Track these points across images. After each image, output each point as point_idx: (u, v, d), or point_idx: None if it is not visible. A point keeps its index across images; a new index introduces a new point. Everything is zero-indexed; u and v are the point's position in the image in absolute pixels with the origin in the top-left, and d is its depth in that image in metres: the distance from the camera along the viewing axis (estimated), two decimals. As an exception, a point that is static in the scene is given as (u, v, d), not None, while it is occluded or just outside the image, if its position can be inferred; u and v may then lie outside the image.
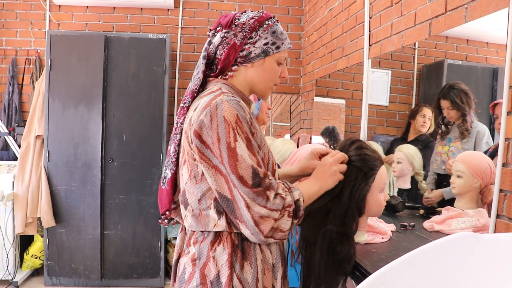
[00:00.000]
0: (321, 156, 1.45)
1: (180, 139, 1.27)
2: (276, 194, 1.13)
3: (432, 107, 2.48)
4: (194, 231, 1.23)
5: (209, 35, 1.35)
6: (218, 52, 1.31)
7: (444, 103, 2.22)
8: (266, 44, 1.30)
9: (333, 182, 1.33)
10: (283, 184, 1.19)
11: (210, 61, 1.34)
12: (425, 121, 2.54)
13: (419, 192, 2.40)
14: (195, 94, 1.30)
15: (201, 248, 1.19)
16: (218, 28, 1.32)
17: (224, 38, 1.30)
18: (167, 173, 1.31)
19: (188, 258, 1.21)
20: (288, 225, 1.15)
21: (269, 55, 1.31)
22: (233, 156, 1.11)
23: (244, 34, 1.28)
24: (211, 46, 1.32)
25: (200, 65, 1.31)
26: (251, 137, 1.15)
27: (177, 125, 1.29)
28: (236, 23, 1.30)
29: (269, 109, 3.14)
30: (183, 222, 1.30)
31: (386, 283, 0.81)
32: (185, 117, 1.27)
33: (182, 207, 1.27)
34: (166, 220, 1.36)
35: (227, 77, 1.33)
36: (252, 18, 1.30)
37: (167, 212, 1.33)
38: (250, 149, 1.13)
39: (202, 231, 1.21)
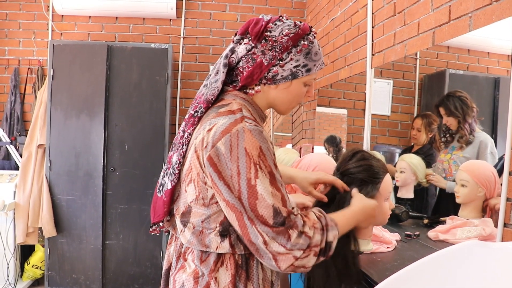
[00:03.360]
0: (321, 183, 1.45)
1: (185, 151, 1.16)
2: (301, 233, 1.02)
3: (428, 115, 2.49)
4: (190, 247, 1.18)
5: (233, 41, 1.21)
6: (240, 64, 1.17)
7: (441, 110, 2.24)
8: (296, 66, 1.16)
9: (365, 224, 1.38)
10: (319, 219, 1.09)
11: (230, 68, 1.20)
12: (415, 133, 2.55)
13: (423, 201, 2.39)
14: (210, 105, 1.18)
15: (202, 267, 1.13)
16: (246, 38, 1.18)
17: (250, 52, 1.16)
18: (166, 182, 1.20)
19: (187, 275, 1.15)
20: (313, 262, 1.06)
21: (297, 78, 1.18)
22: (253, 194, 1.02)
23: (274, 54, 1.14)
24: (233, 55, 1.18)
25: (221, 73, 1.17)
26: (274, 170, 1.06)
27: (183, 133, 1.18)
28: (267, 37, 1.15)
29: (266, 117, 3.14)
30: (176, 233, 1.24)
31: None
32: (194, 127, 1.17)
33: (179, 220, 1.19)
34: (157, 229, 1.28)
35: (247, 92, 1.21)
36: (287, 35, 1.14)
37: (161, 223, 1.26)
38: (273, 184, 1.04)
39: (202, 250, 1.15)
